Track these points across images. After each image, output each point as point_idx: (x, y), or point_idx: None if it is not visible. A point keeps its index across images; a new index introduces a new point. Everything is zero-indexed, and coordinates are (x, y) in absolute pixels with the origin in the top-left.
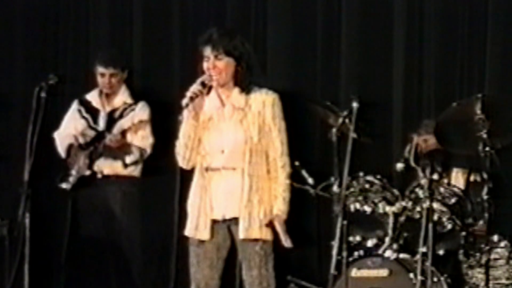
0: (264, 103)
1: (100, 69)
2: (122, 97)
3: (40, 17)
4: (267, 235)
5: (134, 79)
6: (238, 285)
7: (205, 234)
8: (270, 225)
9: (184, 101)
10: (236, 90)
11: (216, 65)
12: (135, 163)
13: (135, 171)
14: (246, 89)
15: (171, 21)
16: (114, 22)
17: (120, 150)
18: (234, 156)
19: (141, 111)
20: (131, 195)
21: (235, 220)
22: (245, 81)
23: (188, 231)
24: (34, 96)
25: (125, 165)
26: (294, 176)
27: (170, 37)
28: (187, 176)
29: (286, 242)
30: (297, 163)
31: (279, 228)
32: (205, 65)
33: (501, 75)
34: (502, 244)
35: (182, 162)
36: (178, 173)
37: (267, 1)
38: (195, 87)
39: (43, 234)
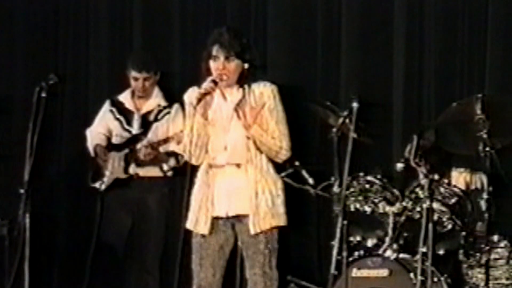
0: (263, 94)
1: (134, 73)
2: (156, 99)
3: (40, 17)
4: (278, 221)
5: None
6: (239, 285)
7: (204, 229)
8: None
9: (196, 97)
10: (236, 87)
11: (225, 66)
12: (173, 168)
13: (168, 172)
14: (249, 87)
15: (171, 21)
16: (114, 22)
17: (154, 161)
18: (237, 152)
19: (177, 116)
20: (164, 195)
21: (239, 217)
22: (249, 81)
23: (189, 224)
24: (34, 96)
25: (163, 171)
26: (294, 176)
27: (170, 38)
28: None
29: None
30: (297, 163)
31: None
32: (213, 64)
33: (501, 75)
34: (502, 244)
35: (190, 158)
36: (188, 173)
37: (267, 1)
38: (206, 85)
39: (43, 234)
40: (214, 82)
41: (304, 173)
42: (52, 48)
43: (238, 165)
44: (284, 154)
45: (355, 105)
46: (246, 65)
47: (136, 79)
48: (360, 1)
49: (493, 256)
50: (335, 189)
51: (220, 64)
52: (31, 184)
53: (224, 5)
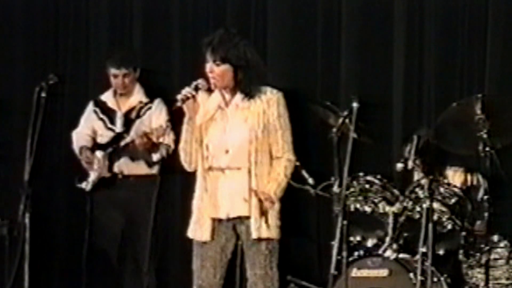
0: (269, 102)
1: (113, 71)
2: (137, 96)
3: (40, 17)
4: (276, 234)
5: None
6: (239, 285)
7: (206, 236)
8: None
9: (177, 103)
10: (238, 92)
11: (213, 70)
12: (161, 160)
13: (154, 169)
14: (247, 95)
15: (171, 21)
16: (114, 22)
17: (146, 150)
18: (238, 155)
19: (157, 111)
20: (150, 194)
21: (240, 219)
22: (244, 87)
23: (190, 233)
24: (34, 96)
25: (150, 164)
26: (294, 176)
27: (170, 37)
28: (186, 176)
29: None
30: (297, 163)
31: (262, 197)
32: (206, 67)
33: (501, 75)
34: (502, 244)
35: (184, 164)
36: (158, 177)
37: (267, 1)
38: (187, 90)
39: (43, 234)
40: (197, 88)
41: (304, 173)
42: (52, 48)
43: (239, 168)
44: (294, 162)
45: (355, 105)
46: (234, 70)
47: (115, 76)
48: (360, 1)
49: (493, 256)
50: (335, 189)
51: (209, 68)
52: (31, 184)
53: (224, 5)
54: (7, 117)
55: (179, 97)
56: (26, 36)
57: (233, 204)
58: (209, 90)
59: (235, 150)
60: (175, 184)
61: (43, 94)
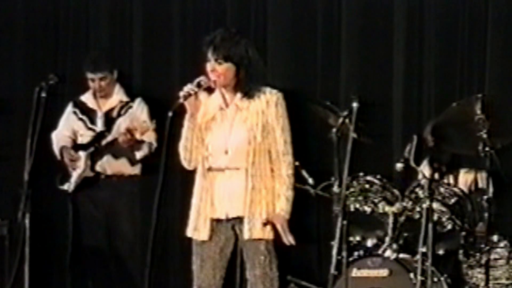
0: (268, 102)
1: (89, 75)
2: (118, 96)
3: (40, 18)
4: (270, 234)
5: (134, 79)
6: (239, 285)
7: (204, 235)
8: (270, 223)
9: (179, 100)
10: (238, 92)
11: (215, 68)
12: (144, 158)
13: (136, 169)
14: (247, 94)
15: (171, 22)
16: (114, 22)
17: (129, 148)
18: (237, 156)
19: (139, 109)
20: (133, 194)
21: (239, 219)
22: (245, 86)
23: (189, 232)
24: (34, 96)
25: (133, 163)
26: (294, 176)
27: (170, 38)
28: (186, 176)
29: (288, 240)
30: (297, 163)
31: (279, 227)
32: (207, 66)
33: (501, 75)
34: (502, 244)
35: (183, 162)
36: (161, 174)
37: (267, 1)
38: (189, 87)
39: (43, 234)
40: (198, 85)
41: (304, 173)
42: (52, 48)
43: (238, 169)
44: (294, 164)
45: (355, 105)
46: (236, 68)
47: (92, 80)
48: (360, 1)
49: (493, 256)
50: (335, 189)
51: (210, 67)
52: (31, 184)
53: (224, 5)
54: (7, 117)
55: (181, 94)
56: (26, 36)
57: (232, 204)
58: (209, 89)
59: (234, 150)
60: (174, 183)
61: (43, 94)
